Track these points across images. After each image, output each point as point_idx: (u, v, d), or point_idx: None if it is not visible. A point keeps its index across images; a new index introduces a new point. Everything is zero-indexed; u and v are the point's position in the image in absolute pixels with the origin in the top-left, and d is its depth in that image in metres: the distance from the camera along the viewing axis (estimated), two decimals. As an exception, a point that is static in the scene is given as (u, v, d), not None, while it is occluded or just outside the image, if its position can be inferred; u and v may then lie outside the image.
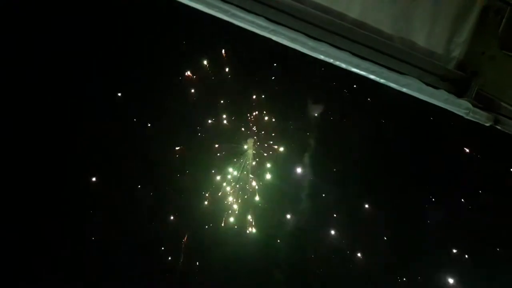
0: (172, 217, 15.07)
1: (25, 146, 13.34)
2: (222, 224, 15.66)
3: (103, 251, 13.94)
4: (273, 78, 14.66)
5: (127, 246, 14.08)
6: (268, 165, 15.86)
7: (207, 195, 15.55)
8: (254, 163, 15.71)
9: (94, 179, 14.04)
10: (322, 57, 3.01)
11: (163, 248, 15.00)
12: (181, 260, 15.22)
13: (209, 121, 15.07)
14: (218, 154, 15.47)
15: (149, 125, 14.14)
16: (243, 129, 15.50)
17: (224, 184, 15.75)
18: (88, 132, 13.43)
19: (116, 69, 12.91)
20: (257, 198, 15.88)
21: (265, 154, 15.52)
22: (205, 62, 14.59)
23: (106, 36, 12.63)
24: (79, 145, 13.55)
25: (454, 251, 14.67)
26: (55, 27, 12.60)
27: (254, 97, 15.26)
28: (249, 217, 15.82)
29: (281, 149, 15.69)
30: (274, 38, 2.94)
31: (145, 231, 14.37)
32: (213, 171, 15.56)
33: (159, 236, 14.81)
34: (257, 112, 15.39)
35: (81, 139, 13.48)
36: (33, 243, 13.61)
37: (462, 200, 14.34)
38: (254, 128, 15.60)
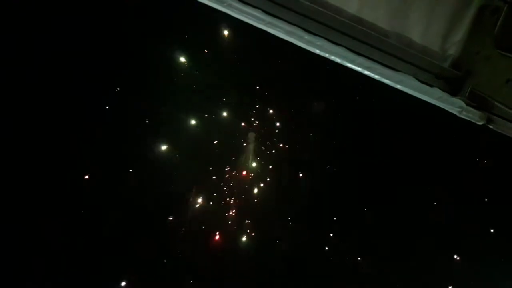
0: (169, 218, 14.95)
1: (24, 145, 13.33)
2: (219, 226, 15.43)
3: (100, 251, 13.88)
4: (275, 73, 14.53)
5: (124, 247, 14.02)
6: (269, 163, 15.57)
7: (201, 197, 15.34)
8: (254, 164, 15.47)
9: (92, 179, 14.00)
10: (317, 51, 3.02)
11: (159, 249, 14.88)
12: (177, 262, 15.08)
13: (208, 116, 14.86)
14: (217, 151, 15.25)
15: (147, 122, 14.06)
16: (243, 123, 15.26)
17: (222, 183, 15.52)
18: (87, 132, 13.42)
19: (116, 68, 12.92)
20: (256, 198, 15.64)
21: (268, 152, 15.26)
22: (205, 57, 14.43)
23: (106, 36, 12.65)
24: (78, 145, 13.53)
25: (451, 253, 14.67)
26: (55, 27, 12.59)
27: (257, 92, 15.02)
28: (247, 219, 15.61)
29: (283, 146, 15.42)
30: (270, 30, 2.95)
31: (142, 232, 14.28)
32: (210, 168, 15.34)
33: (156, 236, 14.71)
34: (258, 106, 15.17)
35: (79, 139, 13.45)
36: (31, 242, 13.58)
37: (461, 201, 14.33)
38: (256, 123, 15.34)
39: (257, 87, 14.83)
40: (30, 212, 13.39)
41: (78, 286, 14.06)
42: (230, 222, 15.54)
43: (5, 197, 12.84)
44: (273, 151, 15.43)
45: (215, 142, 15.09)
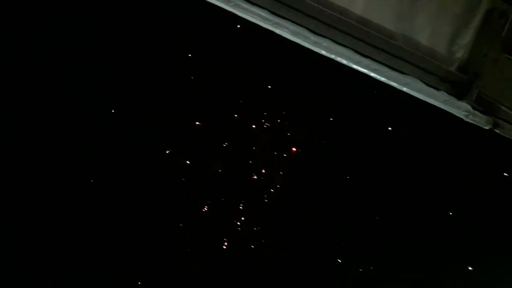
0: (173, 223, 14.75)
1: (24, 145, 13.33)
2: (226, 231, 15.09)
3: (101, 253, 13.83)
4: (284, 75, 14.32)
5: (126, 248, 13.95)
6: (281, 168, 15.19)
7: (208, 201, 14.99)
8: (264, 168, 15.13)
9: (93, 180, 13.94)
10: (324, 52, 3.00)
11: (162, 251, 14.70)
12: (179, 264, 14.88)
13: (217, 117, 14.60)
14: (226, 154, 14.87)
15: (150, 123, 13.94)
16: (254, 126, 14.89)
17: (230, 187, 15.10)
18: (88, 132, 13.39)
19: (117, 68, 12.91)
20: (265, 203, 15.26)
21: (279, 156, 14.90)
22: (211, 57, 14.21)
23: (106, 36, 12.64)
24: (79, 145, 13.50)
25: (460, 260, 14.54)
26: (55, 27, 12.60)
27: (268, 93, 14.66)
28: (256, 226, 15.27)
29: (296, 150, 15.06)
30: (276, 31, 2.94)
31: (145, 237, 14.18)
32: (220, 171, 14.99)
33: (159, 242, 14.55)
34: (270, 108, 14.79)
35: (80, 139, 13.43)
36: (31, 242, 13.55)
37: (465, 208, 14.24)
38: (267, 125, 14.96)
39: (269, 87, 14.45)
40: (30, 212, 13.38)
41: (78, 287, 14.03)
42: (238, 228, 15.17)
43: (5, 197, 12.83)
44: (284, 154, 15.05)
45: (224, 145, 14.68)
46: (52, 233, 13.57)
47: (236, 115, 14.69)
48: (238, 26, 12.79)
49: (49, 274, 13.65)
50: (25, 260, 13.46)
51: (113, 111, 13.60)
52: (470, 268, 14.38)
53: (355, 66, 3.04)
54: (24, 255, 13.46)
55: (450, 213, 14.29)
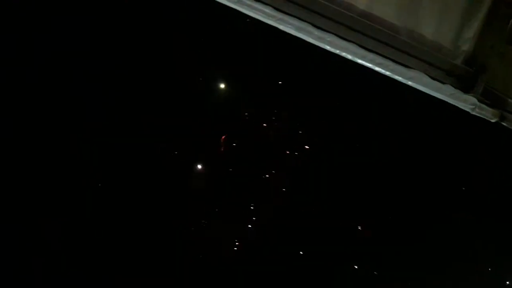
0: (176, 222, 14.63)
1: (24, 145, 13.32)
2: (236, 233, 14.84)
3: (102, 253, 13.80)
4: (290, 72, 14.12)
5: (129, 252, 13.91)
6: (293, 167, 14.88)
7: (217, 202, 14.73)
8: (274, 168, 14.87)
9: (94, 180, 13.90)
10: (328, 47, 2.98)
11: (167, 252, 14.58)
12: (182, 266, 14.75)
13: (225, 117, 14.41)
14: (236, 153, 14.58)
15: (158, 124, 13.83)
16: (264, 124, 14.64)
17: (240, 187, 14.82)
18: (88, 132, 13.35)
19: (116, 69, 12.87)
20: (277, 205, 15.01)
21: (291, 155, 14.67)
22: (215, 55, 14.04)
23: (106, 36, 12.61)
24: (79, 146, 13.46)
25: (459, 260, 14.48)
26: (55, 27, 12.58)
27: (277, 92, 14.35)
28: (267, 228, 15.01)
29: (308, 148, 14.76)
30: (280, 27, 2.92)
31: (149, 238, 14.10)
32: (230, 171, 14.72)
33: (162, 243, 14.45)
34: (279, 106, 14.51)
35: (80, 139, 13.39)
36: (31, 242, 13.54)
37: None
38: (277, 124, 14.68)
39: (279, 83, 14.13)
40: (30, 212, 13.36)
41: (78, 287, 14.01)
42: (249, 231, 14.91)
43: (5, 197, 12.83)
44: (296, 153, 14.75)
45: (234, 144, 14.40)
46: (52, 233, 13.57)
47: (245, 114, 14.51)
48: (242, 23, 12.71)
49: (49, 274, 13.65)
50: (25, 260, 13.47)
51: (115, 111, 13.56)
52: (481, 266, 14.37)
53: (359, 61, 3.01)
54: (24, 255, 13.47)
55: (457, 208, 14.23)
